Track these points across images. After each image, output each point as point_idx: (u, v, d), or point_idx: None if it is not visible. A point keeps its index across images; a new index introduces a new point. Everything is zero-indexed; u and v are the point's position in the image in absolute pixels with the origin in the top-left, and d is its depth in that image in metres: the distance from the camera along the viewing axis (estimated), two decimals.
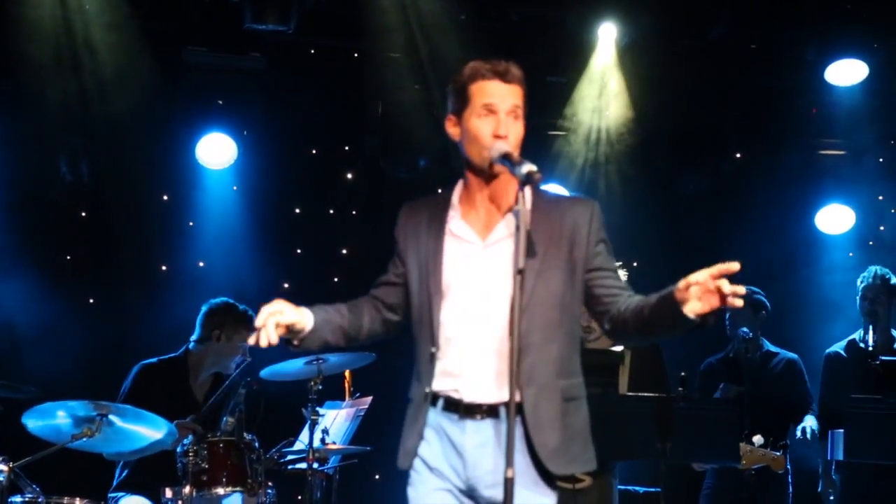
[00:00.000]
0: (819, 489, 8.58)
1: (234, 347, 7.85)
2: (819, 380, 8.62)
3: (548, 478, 4.38)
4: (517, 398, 4.16)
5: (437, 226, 4.46)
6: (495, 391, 4.31)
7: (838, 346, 8.59)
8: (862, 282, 8.53)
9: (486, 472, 4.32)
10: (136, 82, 8.95)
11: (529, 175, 4.16)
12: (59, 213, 9.23)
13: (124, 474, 7.65)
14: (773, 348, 8.63)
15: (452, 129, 4.49)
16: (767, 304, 8.59)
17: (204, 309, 7.90)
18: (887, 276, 8.48)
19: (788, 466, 8.49)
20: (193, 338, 7.90)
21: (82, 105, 8.95)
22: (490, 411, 4.33)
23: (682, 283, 4.10)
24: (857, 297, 8.54)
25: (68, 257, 9.30)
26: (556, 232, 4.42)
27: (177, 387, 7.79)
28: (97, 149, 9.18)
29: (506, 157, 4.25)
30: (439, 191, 4.62)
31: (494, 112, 4.39)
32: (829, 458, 8.30)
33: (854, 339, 8.46)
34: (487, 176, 4.39)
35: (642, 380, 7.66)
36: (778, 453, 7.84)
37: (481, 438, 4.33)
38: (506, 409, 4.24)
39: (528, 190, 4.21)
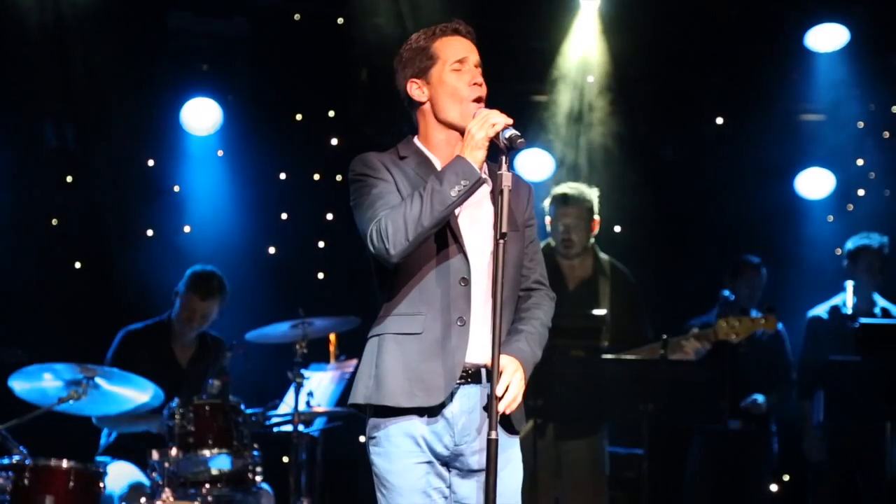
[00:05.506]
0: (805, 447, 8.67)
1: (186, 311, 7.89)
2: (800, 342, 8.70)
3: (510, 431, 4.39)
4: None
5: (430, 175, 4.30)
6: (480, 353, 4.27)
7: (820, 310, 8.66)
8: (857, 244, 8.58)
9: (474, 437, 4.30)
10: (120, 47, 8.96)
11: (511, 140, 4.20)
12: (45, 178, 9.23)
13: (112, 438, 7.71)
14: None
15: (418, 92, 4.45)
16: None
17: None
18: (883, 244, 8.54)
19: (773, 428, 8.61)
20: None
21: (66, 70, 8.95)
22: (476, 375, 4.32)
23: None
24: (849, 260, 8.59)
25: (54, 222, 9.31)
26: (516, 198, 4.40)
27: (160, 351, 7.85)
28: (82, 114, 9.19)
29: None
30: (396, 149, 4.51)
31: (465, 63, 4.41)
32: (813, 420, 8.39)
33: (837, 304, 8.52)
34: (463, 132, 4.33)
35: (622, 313, 7.78)
36: (764, 315, 7.87)
37: (470, 403, 4.31)
38: (487, 372, 4.24)
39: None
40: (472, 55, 4.44)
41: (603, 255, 7.96)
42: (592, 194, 7.85)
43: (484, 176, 4.26)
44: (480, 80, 4.40)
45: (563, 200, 7.81)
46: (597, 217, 7.83)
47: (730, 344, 7.92)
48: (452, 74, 4.40)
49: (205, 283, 7.85)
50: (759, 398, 8.37)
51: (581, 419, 7.73)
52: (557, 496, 7.76)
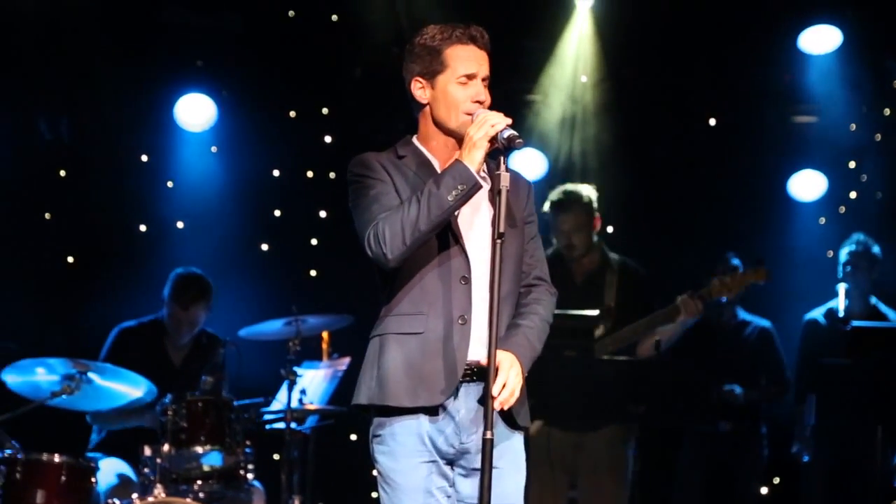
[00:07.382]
0: (794, 450, 8.67)
1: (173, 321, 7.91)
2: (792, 345, 8.71)
3: (515, 427, 4.41)
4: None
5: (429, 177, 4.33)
6: (482, 351, 4.25)
7: (817, 313, 8.65)
8: (844, 248, 8.60)
9: (478, 436, 4.25)
10: (115, 42, 8.95)
11: (510, 139, 4.22)
12: (39, 172, 9.22)
13: (103, 434, 7.72)
14: (746, 317, 8.72)
15: (420, 92, 4.45)
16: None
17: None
18: (870, 245, 8.56)
19: (763, 430, 8.63)
20: None
21: (61, 64, 8.95)
22: (480, 372, 4.29)
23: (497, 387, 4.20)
24: (841, 265, 8.60)
25: (47, 216, 9.31)
26: (515, 196, 4.42)
27: (153, 350, 7.86)
28: (76, 108, 9.20)
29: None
30: (394, 149, 4.52)
31: (473, 78, 4.39)
32: (806, 423, 8.40)
33: (833, 307, 8.52)
34: (461, 139, 4.34)
35: (627, 304, 7.77)
36: (753, 268, 7.89)
37: (474, 401, 4.32)
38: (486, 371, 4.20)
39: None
40: (483, 69, 4.41)
41: (613, 254, 7.94)
42: (590, 193, 7.84)
43: (484, 176, 4.29)
44: (483, 97, 4.38)
45: (559, 207, 7.80)
46: (597, 214, 7.83)
47: (716, 333, 8.04)
48: (457, 87, 4.39)
49: (184, 292, 7.85)
50: (737, 389, 8.39)
51: (573, 419, 7.72)
52: (574, 497, 7.76)
